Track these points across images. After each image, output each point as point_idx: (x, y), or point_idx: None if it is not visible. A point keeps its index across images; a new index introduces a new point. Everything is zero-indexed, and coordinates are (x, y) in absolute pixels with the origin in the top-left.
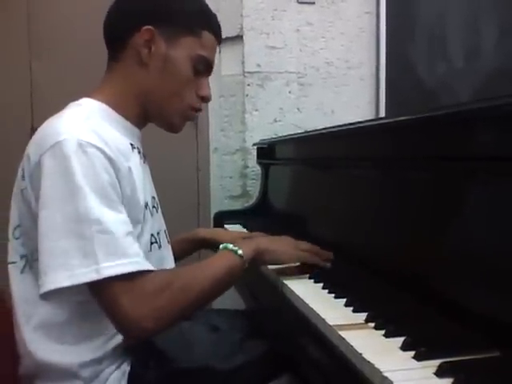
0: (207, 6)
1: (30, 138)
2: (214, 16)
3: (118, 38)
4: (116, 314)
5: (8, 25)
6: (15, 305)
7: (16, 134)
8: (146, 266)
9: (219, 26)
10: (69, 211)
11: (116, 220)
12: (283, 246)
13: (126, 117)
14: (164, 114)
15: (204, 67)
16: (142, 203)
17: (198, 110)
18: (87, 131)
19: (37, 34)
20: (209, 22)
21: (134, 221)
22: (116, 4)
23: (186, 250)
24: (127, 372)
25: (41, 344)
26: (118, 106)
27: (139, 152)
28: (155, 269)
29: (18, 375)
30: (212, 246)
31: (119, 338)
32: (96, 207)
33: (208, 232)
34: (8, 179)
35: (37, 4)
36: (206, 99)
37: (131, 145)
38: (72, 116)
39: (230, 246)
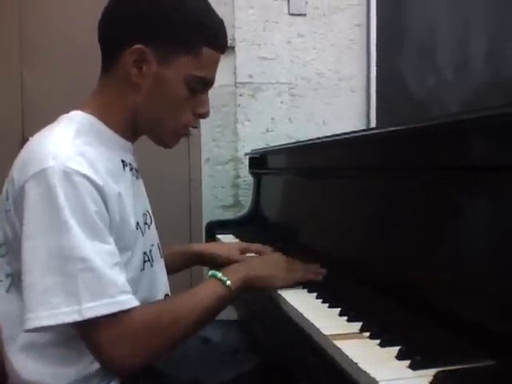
0: (212, 15)
1: (21, 147)
2: (218, 25)
3: (109, 47)
4: (98, 353)
5: None
6: (1, 323)
7: (6, 144)
8: (130, 303)
9: (224, 35)
10: (53, 246)
11: (101, 252)
12: (275, 271)
13: (118, 131)
14: (155, 133)
15: (202, 86)
16: (134, 227)
17: (194, 127)
18: (75, 155)
19: (28, 42)
20: (209, 37)
21: (124, 247)
22: (108, 11)
23: (180, 265)
24: None
25: (26, 365)
26: (109, 120)
27: (131, 169)
28: (139, 304)
29: None
30: (208, 260)
31: None
32: (81, 243)
33: (203, 247)
34: None
35: (28, 12)
36: (203, 116)
37: (122, 162)
38: (60, 136)
39: (219, 275)
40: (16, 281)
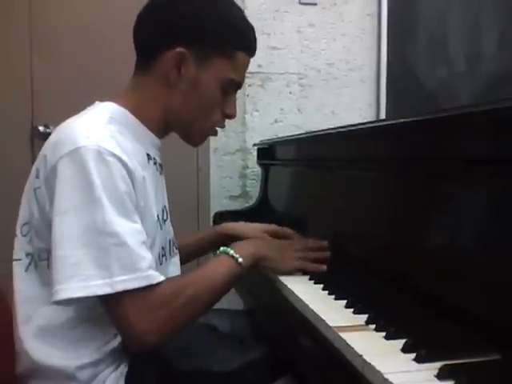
0: (245, 21)
1: (31, 135)
2: (251, 31)
3: (147, 49)
4: (123, 326)
5: (9, 21)
6: (16, 302)
7: (16, 132)
8: (156, 278)
9: (255, 40)
10: (86, 221)
11: (131, 230)
12: (279, 255)
13: (148, 126)
14: (187, 133)
15: (233, 88)
16: (155, 217)
17: (221, 127)
18: (107, 137)
19: (38, 30)
20: (244, 42)
21: (146, 234)
22: (149, 13)
23: (206, 248)
24: (125, 373)
25: (38, 345)
26: (142, 115)
27: (155, 163)
28: (164, 278)
29: (15, 373)
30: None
31: (117, 341)
32: (113, 219)
33: (230, 229)
34: (8, 176)
35: (39, 0)
36: (231, 117)
37: (147, 155)
38: (93, 119)
39: (231, 251)
40: (36, 260)
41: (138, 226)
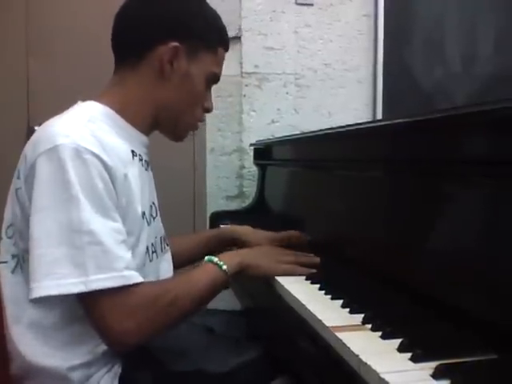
0: (220, 19)
1: (27, 136)
2: (226, 28)
3: (136, 45)
4: (100, 326)
5: (5, 21)
6: (5, 305)
7: (12, 132)
8: (134, 279)
9: (229, 38)
10: (62, 219)
11: (109, 229)
12: (266, 261)
13: (134, 124)
14: (176, 128)
15: (214, 82)
16: (139, 214)
17: (202, 121)
18: (86, 135)
19: (34, 31)
20: (223, 38)
21: (129, 232)
22: (136, 10)
23: (215, 248)
24: (118, 374)
25: (29, 346)
26: (126, 112)
27: (140, 159)
28: (144, 280)
29: (9, 374)
30: (240, 245)
31: None
32: (90, 218)
33: (239, 233)
34: (4, 178)
35: (35, 1)
36: (209, 111)
37: (132, 152)
38: (73, 118)
39: (215, 259)
40: (21, 261)
41: (117, 224)
